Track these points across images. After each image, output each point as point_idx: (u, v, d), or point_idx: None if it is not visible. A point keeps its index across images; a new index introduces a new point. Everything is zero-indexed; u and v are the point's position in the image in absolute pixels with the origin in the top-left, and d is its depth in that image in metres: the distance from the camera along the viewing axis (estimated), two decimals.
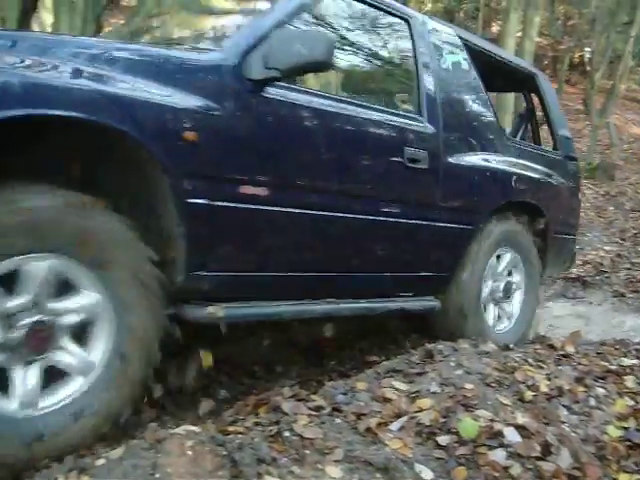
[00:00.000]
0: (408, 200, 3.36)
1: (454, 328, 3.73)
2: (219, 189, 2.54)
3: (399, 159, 3.25)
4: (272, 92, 2.69)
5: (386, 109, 3.34)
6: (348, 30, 3.44)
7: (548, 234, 4.42)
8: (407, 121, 3.39)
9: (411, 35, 3.63)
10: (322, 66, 2.68)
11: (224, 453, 2.11)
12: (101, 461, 2.13)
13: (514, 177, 4.04)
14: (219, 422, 2.38)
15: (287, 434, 2.25)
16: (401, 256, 3.47)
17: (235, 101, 2.57)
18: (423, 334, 3.91)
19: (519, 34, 12.07)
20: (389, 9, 3.54)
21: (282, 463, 2.10)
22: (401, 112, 3.48)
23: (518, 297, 4.26)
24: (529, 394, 2.73)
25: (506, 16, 11.63)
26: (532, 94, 5.15)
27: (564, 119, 5.12)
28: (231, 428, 2.30)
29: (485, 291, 3.96)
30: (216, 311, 2.60)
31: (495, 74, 4.60)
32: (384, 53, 3.70)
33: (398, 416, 2.43)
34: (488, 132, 4.02)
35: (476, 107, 3.99)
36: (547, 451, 2.35)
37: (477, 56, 4.11)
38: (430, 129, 3.48)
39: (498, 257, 4.06)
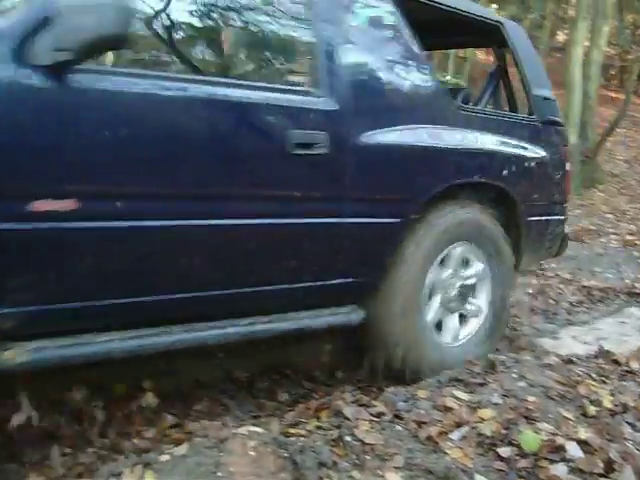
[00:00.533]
0: (299, 195, 2.69)
1: (387, 340, 3.09)
2: (7, 208, 2.04)
3: (280, 146, 2.57)
4: (75, 79, 2.12)
5: (260, 85, 2.66)
6: None
7: (520, 218, 3.65)
8: (294, 97, 2.70)
9: None
10: (115, 40, 2.07)
11: (286, 455, 2.15)
12: (165, 457, 2.19)
13: (459, 154, 3.27)
14: (281, 424, 2.41)
15: (348, 439, 2.27)
16: (297, 263, 2.78)
17: (18, 96, 2.03)
18: None
19: (587, 43, 11.89)
20: None
21: (342, 467, 2.13)
22: (285, 87, 2.79)
23: (484, 297, 3.51)
24: (592, 409, 2.68)
25: (573, 25, 11.50)
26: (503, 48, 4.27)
27: (543, 76, 4.13)
28: (293, 430, 2.34)
29: (432, 296, 3.27)
30: (13, 356, 2.07)
31: (450, 27, 3.96)
32: (262, 15, 2.89)
33: (459, 425, 2.42)
34: (423, 100, 3.25)
35: (405, 71, 3.17)
36: (610, 468, 2.30)
37: (418, 7, 3.31)
38: (331, 104, 2.76)
39: (449, 254, 3.32)
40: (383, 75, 3.07)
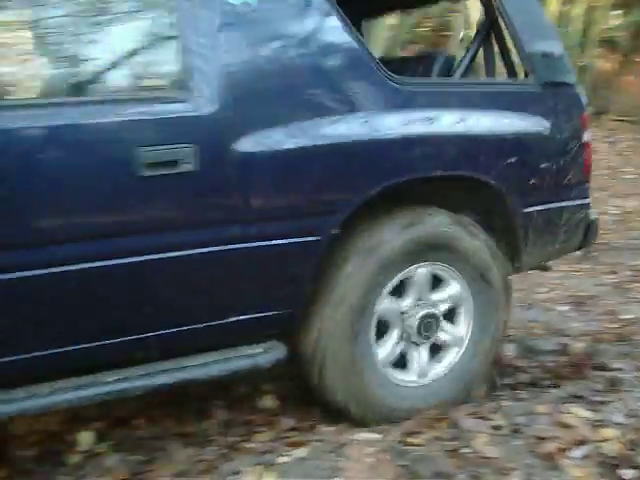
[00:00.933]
0: (166, 223, 2.22)
1: (323, 383, 2.55)
2: None
3: (128, 170, 2.10)
4: None
5: (99, 99, 2.20)
6: None
7: (512, 211, 2.85)
8: (146, 109, 2.18)
9: None
10: None
11: (403, 463, 2.17)
12: (284, 459, 2.26)
13: (397, 144, 2.54)
14: (399, 432, 2.42)
15: (466, 450, 2.27)
16: (185, 300, 2.34)
17: None
18: None
19: None
20: None
21: (459, 479, 2.12)
22: (137, 96, 2.24)
23: (465, 323, 2.82)
24: None
25: None
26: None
27: (542, 25, 3.14)
28: (410, 439, 2.35)
29: (389, 329, 2.68)
30: None
31: None
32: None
33: (579, 443, 2.36)
34: (336, 84, 2.49)
35: (315, 49, 2.46)
36: None
37: None
38: (198, 109, 2.21)
39: (408, 279, 2.66)
40: (284, 60, 2.41)
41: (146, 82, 2.37)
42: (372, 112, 2.51)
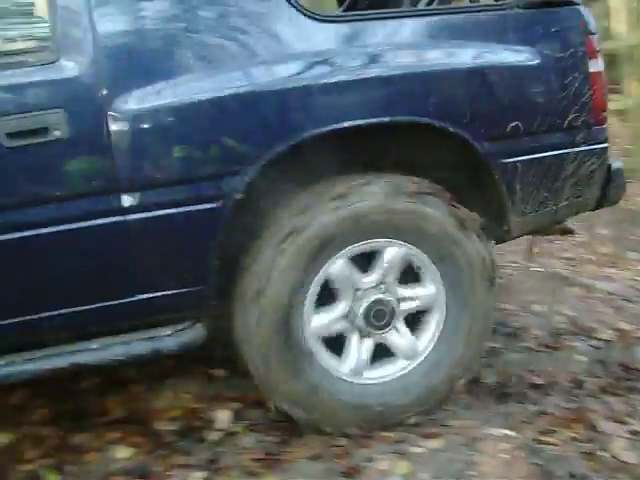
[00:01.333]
0: (22, 197, 2.01)
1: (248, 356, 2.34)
2: None
3: None
4: None
5: None
6: None
7: (487, 163, 2.39)
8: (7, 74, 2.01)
9: None
10: None
11: (538, 462, 2.16)
12: (418, 449, 2.29)
13: (312, 89, 2.17)
14: (534, 430, 2.40)
15: (602, 454, 2.24)
16: (71, 279, 2.15)
17: None
18: None
19: None
20: None
21: None
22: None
23: (433, 321, 2.45)
24: None
25: None
26: None
27: None
28: (545, 438, 2.33)
29: (337, 299, 2.36)
30: None
31: None
32: None
33: None
34: (232, 24, 2.19)
35: None
36: None
37: None
38: (67, 71, 2.01)
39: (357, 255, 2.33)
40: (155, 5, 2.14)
41: (8, 46, 2.14)
42: (280, 57, 2.20)
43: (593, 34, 2.53)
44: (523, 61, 2.42)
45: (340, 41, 2.27)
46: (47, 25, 2.03)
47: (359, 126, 2.19)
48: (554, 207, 2.56)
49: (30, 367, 2.16)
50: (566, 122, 2.47)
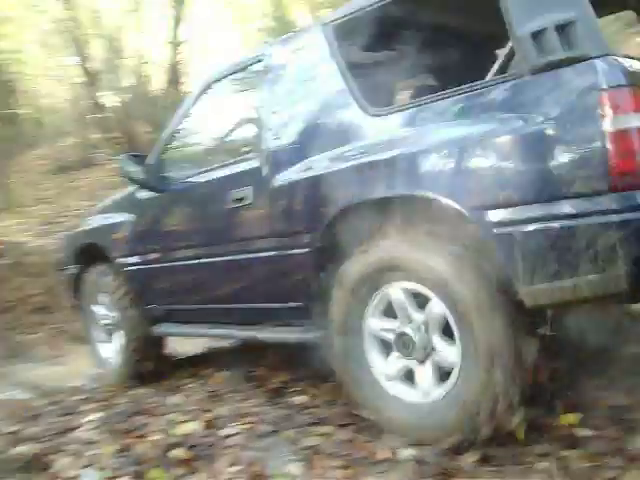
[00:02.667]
0: (240, 236, 3.58)
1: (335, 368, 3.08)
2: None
3: (224, 203, 3.60)
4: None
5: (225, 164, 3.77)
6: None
7: (480, 232, 2.55)
8: (238, 165, 3.62)
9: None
10: None
11: None
12: None
13: (352, 171, 2.95)
14: None
15: None
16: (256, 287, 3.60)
17: None
18: None
19: None
20: None
21: None
22: (238, 158, 3.69)
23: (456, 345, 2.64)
24: None
25: None
26: None
27: None
28: None
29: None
30: (155, 329, 4.40)
31: None
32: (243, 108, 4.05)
33: None
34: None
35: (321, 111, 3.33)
36: None
37: None
38: (255, 163, 3.48)
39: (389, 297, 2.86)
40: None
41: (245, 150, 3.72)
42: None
43: (613, 87, 2.25)
44: (513, 129, 2.42)
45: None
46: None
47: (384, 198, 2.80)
48: (571, 281, 2.34)
49: (216, 332, 4.07)
50: (572, 190, 2.28)
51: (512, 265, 2.42)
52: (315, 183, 3.09)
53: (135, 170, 4.06)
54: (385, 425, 2.86)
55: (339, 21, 3.23)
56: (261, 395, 3.57)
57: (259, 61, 3.65)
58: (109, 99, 16.12)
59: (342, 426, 3.07)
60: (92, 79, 15.40)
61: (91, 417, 3.60)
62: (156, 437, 3.16)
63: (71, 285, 5.12)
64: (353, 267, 2.88)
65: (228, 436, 3.08)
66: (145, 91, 15.90)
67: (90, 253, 4.79)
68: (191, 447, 3.03)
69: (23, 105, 18.73)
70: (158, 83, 16.43)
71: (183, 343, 5.04)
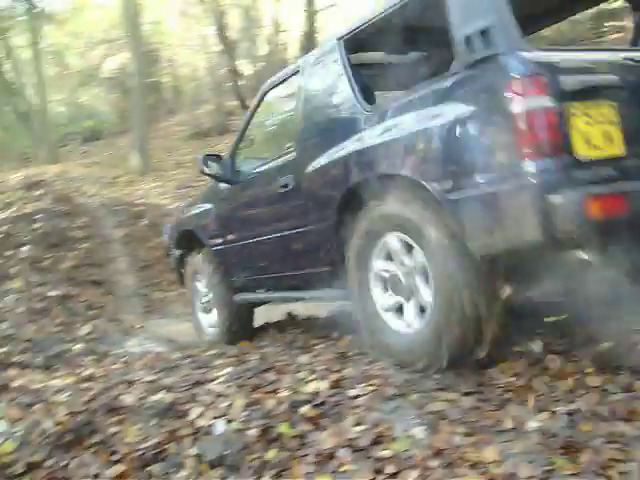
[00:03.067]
0: (285, 216, 4.41)
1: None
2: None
3: (275, 189, 4.49)
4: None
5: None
6: None
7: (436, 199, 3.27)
8: (283, 158, 4.51)
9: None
10: None
11: None
12: None
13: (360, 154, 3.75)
14: None
15: None
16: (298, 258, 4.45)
17: None
18: None
19: None
20: None
21: None
22: (283, 152, 4.59)
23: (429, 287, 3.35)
24: None
25: None
26: None
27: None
28: None
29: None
30: (238, 298, 5.29)
31: None
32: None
33: None
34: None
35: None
36: None
37: None
38: (294, 155, 4.36)
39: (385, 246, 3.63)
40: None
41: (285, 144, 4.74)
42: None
43: (518, 77, 2.83)
44: (454, 117, 3.06)
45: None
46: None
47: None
48: (500, 235, 2.95)
49: (276, 296, 5.01)
50: (495, 161, 2.92)
51: (461, 224, 3.05)
52: (333, 168, 3.89)
53: (212, 167, 5.03)
54: (383, 350, 3.61)
55: (347, 36, 4.02)
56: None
57: (297, 72, 4.49)
58: (245, 67, 16.49)
59: (467, 394, 3.07)
60: (229, 48, 15.76)
61: (224, 371, 3.75)
62: (285, 394, 3.26)
63: (177, 266, 6.16)
64: (363, 221, 3.65)
65: (354, 397, 3.13)
66: (280, 59, 16.14)
67: (188, 239, 5.78)
68: (318, 405, 3.11)
69: (164, 74, 19.43)
70: (293, 51, 16.64)
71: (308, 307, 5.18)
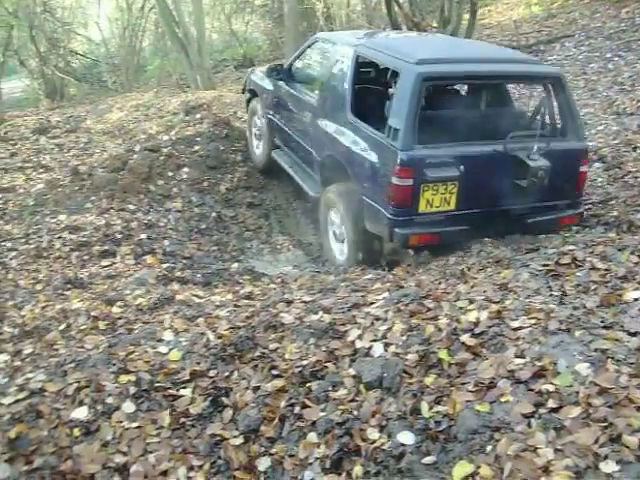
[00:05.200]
0: (303, 129, 6.93)
1: None
2: None
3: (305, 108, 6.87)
4: None
5: None
6: None
7: None
8: (311, 95, 6.72)
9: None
10: None
11: None
12: None
13: None
14: None
15: None
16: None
17: None
18: None
19: None
20: None
21: None
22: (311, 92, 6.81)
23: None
24: None
25: None
26: None
27: None
28: None
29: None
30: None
31: None
32: None
33: None
34: None
35: None
36: None
37: None
38: (315, 100, 6.60)
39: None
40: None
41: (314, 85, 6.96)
42: None
43: (398, 165, 4.95)
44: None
45: None
46: None
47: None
48: (370, 224, 5.50)
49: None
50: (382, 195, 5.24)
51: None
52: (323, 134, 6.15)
53: (275, 69, 7.50)
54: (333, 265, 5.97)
55: (358, 47, 5.91)
56: (547, 292, 3.49)
57: (320, 41, 6.99)
58: None
59: (634, 334, 2.93)
60: None
61: (381, 296, 3.76)
62: (444, 321, 3.25)
63: (246, 102, 8.89)
64: (324, 197, 6.12)
65: (516, 328, 3.07)
66: None
67: (253, 92, 8.44)
68: (478, 334, 3.08)
69: (317, 0, 19.30)
70: None
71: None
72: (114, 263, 5.69)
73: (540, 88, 6.48)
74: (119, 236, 6.28)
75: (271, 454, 2.86)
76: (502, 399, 2.67)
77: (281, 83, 7.36)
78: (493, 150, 5.04)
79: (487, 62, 5.50)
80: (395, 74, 5.16)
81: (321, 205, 6.23)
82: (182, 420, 3.03)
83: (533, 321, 3.11)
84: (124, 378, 3.23)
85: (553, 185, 5.09)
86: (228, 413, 3.06)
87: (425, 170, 4.78)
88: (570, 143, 5.40)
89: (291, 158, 7.29)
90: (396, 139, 4.84)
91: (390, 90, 5.36)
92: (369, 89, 6.36)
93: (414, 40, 7.18)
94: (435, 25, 13.94)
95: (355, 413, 2.87)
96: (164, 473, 2.83)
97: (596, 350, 2.82)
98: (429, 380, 2.89)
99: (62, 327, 4.15)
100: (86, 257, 5.83)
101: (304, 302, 3.90)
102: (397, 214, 4.89)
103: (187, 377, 3.26)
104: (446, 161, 4.87)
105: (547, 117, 5.64)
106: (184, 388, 3.20)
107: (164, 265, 5.65)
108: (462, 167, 4.85)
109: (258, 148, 8.38)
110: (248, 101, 8.67)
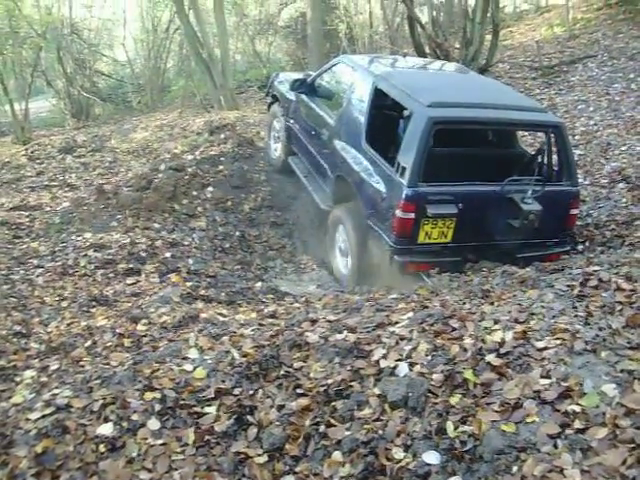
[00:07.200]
0: (319, 144, 7.43)
1: None
2: None
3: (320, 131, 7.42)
4: None
5: None
6: None
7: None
8: (330, 114, 7.22)
9: None
10: None
11: None
12: None
13: None
14: None
15: None
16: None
17: None
18: None
19: None
20: None
21: None
22: (330, 110, 7.30)
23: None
24: None
25: None
26: None
27: None
28: None
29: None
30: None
31: None
32: None
33: None
34: None
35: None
36: None
37: None
38: (333, 121, 7.02)
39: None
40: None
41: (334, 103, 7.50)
42: None
43: (402, 201, 5.48)
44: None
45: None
46: None
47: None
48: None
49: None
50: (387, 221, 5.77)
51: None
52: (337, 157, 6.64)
53: (299, 81, 7.83)
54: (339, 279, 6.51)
55: (377, 79, 6.35)
56: (572, 313, 3.47)
57: (343, 64, 7.40)
58: (421, 15, 16.18)
59: None
60: None
61: (405, 316, 3.76)
62: (469, 341, 3.25)
63: (268, 105, 9.65)
64: (333, 214, 6.59)
65: (542, 349, 3.06)
66: (460, 7, 15.69)
67: (275, 98, 9.03)
68: (503, 355, 3.07)
69: (340, 21, 19.45)
70: None
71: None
72: (139, 281, 5.71)
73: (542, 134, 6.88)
74: (144, 254, 6.32)
75: (295, 473, 2.86)
76: (528, 419, 2.66)
77: (303, 96, 7.82)
78: (491, 191, 5.48)
79: (495, 108, 5.81)
80: (408, 112, 5.59)
81: (330, 220, 6.66)
82: (207, 438, 3.04)
83: (559, 342, 3.10)
84: (149, 395, 3.24)
85: (543, 225, 5.54)
86: (253, 431, 3.06)
87: (427, 206, 5.26)
88: (564, 187, 5.82)
89: (306, 167, 7.74)
90: (403, 176, 5.33)
91: (401, 122, 5.83)
92: (385, 116, 6.56)
93: (430, 78, 7.35)
94: (457, 46, 13.99)
95: (380, 432, 2.86)
96: None
97: (622, 371, 2.81)
98: (454, 400, 2.88)
99: (88, 344, 4.18)
100: (111, 275, 5.87)
101: (329, 321, 3.91)
102: (398, 243, 5.41)
103: (212, 395, 3.26)
104: (447, 198, 5.34)
105: (545, 161, 6.06)
106: (209, 406, 3.20)
107: (188, 283, 5.67)
108: (461, 205, 5.32)
109: (276, 151, 8.90)
110: (270, 104, 9.33)
